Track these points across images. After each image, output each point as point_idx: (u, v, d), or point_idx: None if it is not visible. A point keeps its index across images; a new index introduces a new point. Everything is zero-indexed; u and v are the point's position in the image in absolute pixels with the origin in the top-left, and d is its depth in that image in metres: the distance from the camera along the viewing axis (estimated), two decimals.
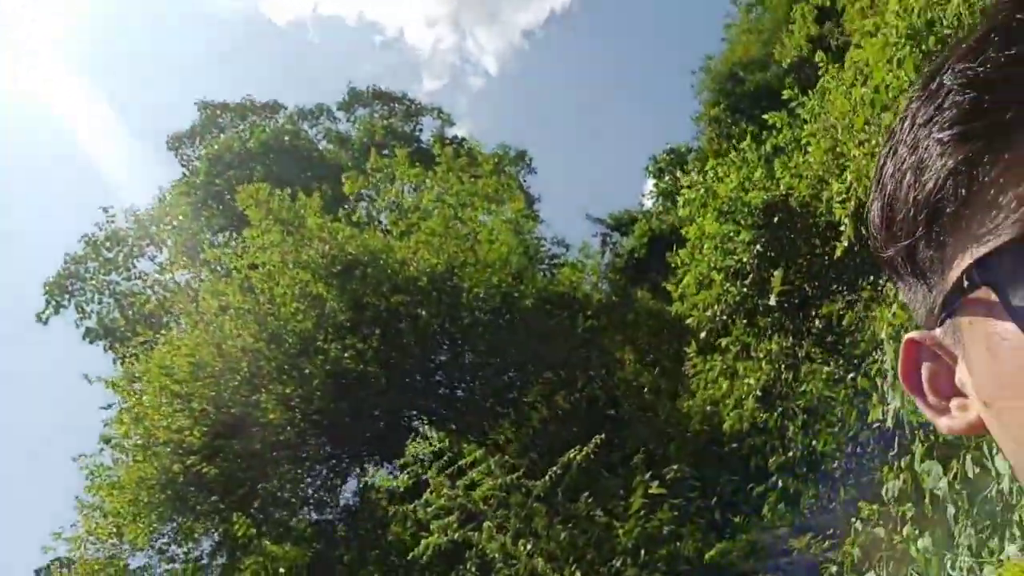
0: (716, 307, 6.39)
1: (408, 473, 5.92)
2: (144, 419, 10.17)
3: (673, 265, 7.53)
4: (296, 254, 10.63)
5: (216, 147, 18.89)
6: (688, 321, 7.01)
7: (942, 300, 0.50)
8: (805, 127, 7.13)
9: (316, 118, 26.41)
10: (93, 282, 20.85)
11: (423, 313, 10.28)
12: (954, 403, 0.53)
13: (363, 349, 9.89)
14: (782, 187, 6.29)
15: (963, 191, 0.45)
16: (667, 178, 24.18)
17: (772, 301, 6.00)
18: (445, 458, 5.87)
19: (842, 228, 5.49)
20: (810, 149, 6.38)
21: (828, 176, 5.97)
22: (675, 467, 8.06)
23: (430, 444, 5.97)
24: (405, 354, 10.15)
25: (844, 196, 5.40)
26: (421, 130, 26.08)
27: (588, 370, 13.78)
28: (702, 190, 7.06)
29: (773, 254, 6.04)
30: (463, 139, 25.73)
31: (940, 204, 0.47)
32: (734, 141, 23.41)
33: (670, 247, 21.63)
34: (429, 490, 5.85)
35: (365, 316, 10.19)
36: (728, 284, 6.21)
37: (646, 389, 14.58)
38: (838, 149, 5.97)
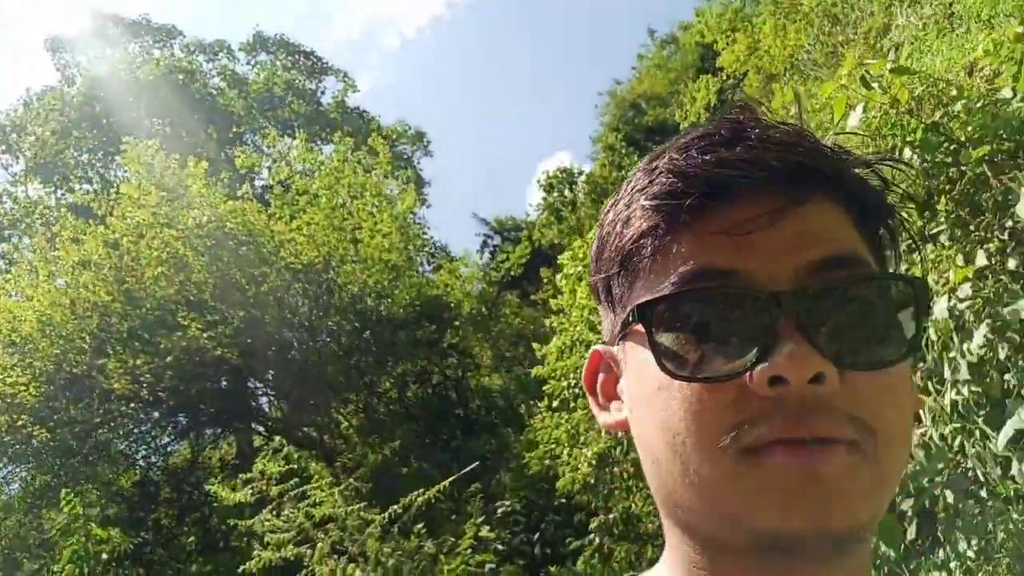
0: (573, 377, 6.87)
1: (252, 489, 6.00)
2: None
3: (546, 296, 7.85)
4: (170, 217, 10.28)
5: (101, 67, 17.64)
6: (545, 388, 7.45)
7: (620, 326, 0.64)
8: None
9: (215, 54, 25.16)
10: None
11: (292, 302, 10.23)
12: (614, 404, 0.68)
13: (223, 331, 9.73)
14: None
15: (648, 249, 0.61)
16: (555, 194, 24.92)
17: None
18: (292, 481, 6.01)
19: None
20: None
21: None
22: (507, 503, 8.54)
23: (279, 464, 6.05)
24: (266, 341, 10.08)
25: None
26: (323, 92, 25.41)
27: (446, 369, 14.16)
28: (580, 267, 7.52)
29: None
30: (363, 112, 25.32)
31: (632, 254, 0.62)
32: (623, 172, 24.32)
33: (548, 262, 22.31)
34: (271, 507, 5.98)
35: (232, 296, 10.02)
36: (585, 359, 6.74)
37: (499, 402, 15.15)
38: None
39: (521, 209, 42.88)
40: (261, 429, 12.46)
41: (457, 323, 13.23)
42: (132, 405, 9.44)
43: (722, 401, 0.56)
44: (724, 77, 16.54)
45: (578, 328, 6.96)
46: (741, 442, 0.54)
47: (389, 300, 11.51)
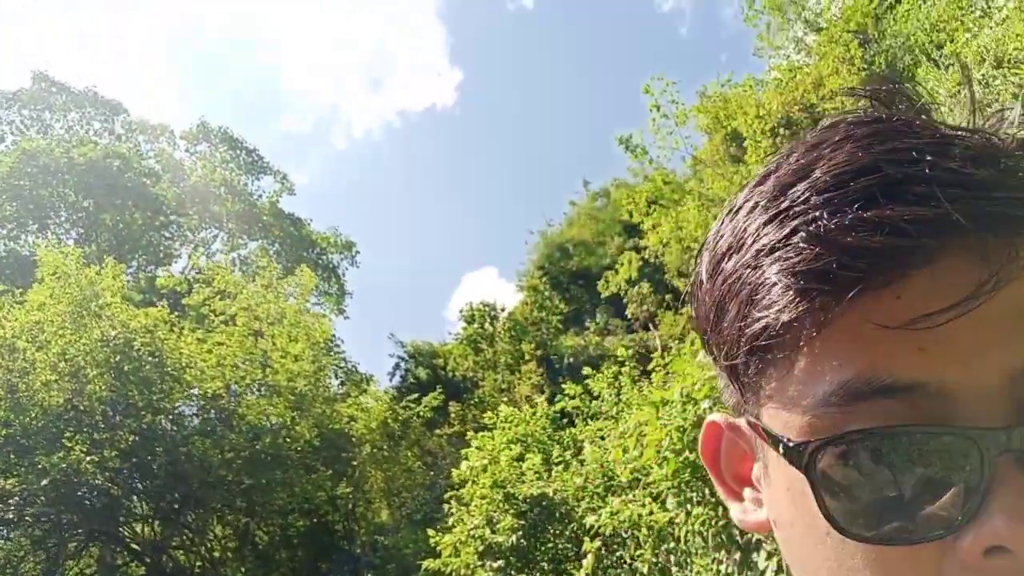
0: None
1: None
2: None
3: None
4: (76, 326, 9.99)
5: (34, 143, 17.33)
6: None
7: (751, 411, 0.49)
8: (584, 429, 8.10)
9: (156, 137, 25.12)
10: None
11: (186, 432, 9.94)
12: (748, 493, 0.53)
13: (108, 455, 9.33)
14: (554, 481, 7.08)
15: (789, 348, 0.44)
16: (475, 326, 25.28)
17: None
18: None
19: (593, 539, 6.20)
20: (585, 457, 7.28)
21: (592, 486, 6.83)
22: None
23: None
24: (151, 474, 9.70)
25: (598, 519, 6.16)
26: (260, 193, 25.48)
27: (336, 500, 13.78)
28: (487, 460, 7.65)
29: (526, 542, 6.72)
30: (296, 217, 25.45)
31: (767, 346, 0.45)
32: (544, 315, 24.91)
33: (458, 393, 22.29)
34: None
35: (124, 420, 9.68)
36: (478, 561, 6.77)
37: (385, 541, 14.75)
38: (606, 467, 6.86)
39: (440, 328, 43.02)
40: (130, 546, 11.74)
41: (355, 462, 13.03)
42: None
43: (917, 568, 0.42)
44: (647, 254, 17.53)
45: (476, 521, 7.02)
46: None
47: (288, 439, 11.29)
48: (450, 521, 7.59)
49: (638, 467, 6.00)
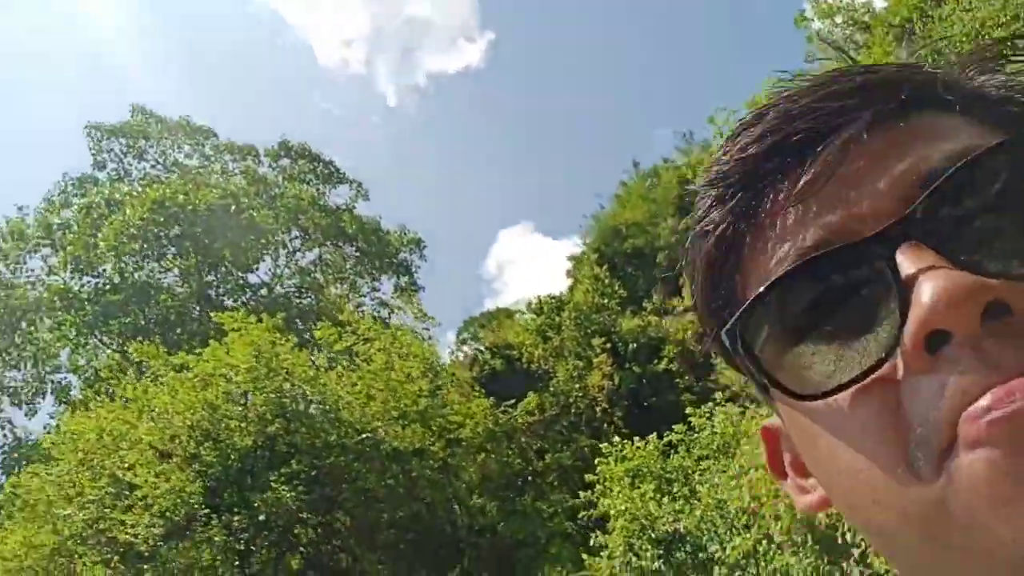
0: None
1: None
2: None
3: None
4: (257, 378, 12.19)
5: (159, 192, 19.53)
6: None
7: (754, 384, 0.52)
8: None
9: (244, 156, 27.21)
10: None
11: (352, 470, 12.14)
12: (811, 481, 0.52)
13: (299, 491, 11.57)
14: (685, 517, 9.08)
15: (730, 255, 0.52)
16: (544, 317, 27.24)
17: None
18: None
19: None
20: (700, 492, 9.27)
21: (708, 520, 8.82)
22: None
23: None
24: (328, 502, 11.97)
25: (722, 551, 8.20)
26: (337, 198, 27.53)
27: (449, 501, 16.04)
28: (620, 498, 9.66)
29: (664, 567, 8.82)
30: (376, 224, 27.44)
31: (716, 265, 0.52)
32: (606, 301, 26.72)
33: (534, 384, 24.39)
34: None
35: (302, 457, 11.90)
36: None
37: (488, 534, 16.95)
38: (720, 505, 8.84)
39: (477, 287, 44.78)
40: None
41: (471, 468, 15.24)
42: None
43: (883, 404, 0.40)
44: None
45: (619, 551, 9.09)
46: (930, 444, 0.38)
47: (424, 450, 13.51)
48: (591, 541, 9.69)
49: (748, 510, 7.97)
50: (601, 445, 11.58)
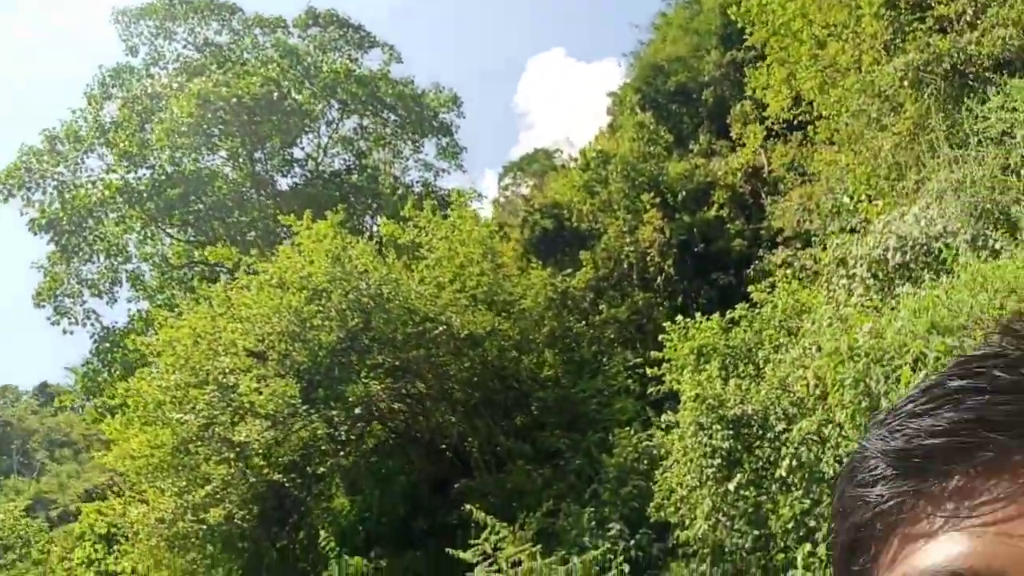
0: None
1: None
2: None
3: None
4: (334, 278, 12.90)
5: (201, 86, 19.46)
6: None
7: None
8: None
9: (273, 29, 26.61)
10: (41, 175, 21.22)
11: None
12: None
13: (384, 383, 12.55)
14: (752, 400, 9.74)
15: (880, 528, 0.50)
16: (589, 173, 27.08)
17: None
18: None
19: None
20: (765, 374, 9.83)
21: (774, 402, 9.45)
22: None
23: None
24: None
25: (789, 432, 8.92)
26: (372, 71, 27.03)
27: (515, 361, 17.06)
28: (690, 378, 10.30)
29: (737, 445, 9.59)
30: (412, 86, 27.00)
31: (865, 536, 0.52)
32: (652, 148, 26.41)
33: (585, 244, 24.78)
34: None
35: (383, 350, 12.77)
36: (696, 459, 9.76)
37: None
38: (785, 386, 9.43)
39: (513, 123, 44.19)
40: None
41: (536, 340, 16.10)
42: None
43: None
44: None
45: (690, 431, 9.84)
46: None
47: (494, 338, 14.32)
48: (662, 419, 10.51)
49: (812, 394, 8.56)
50: (664, 324, 12.11)
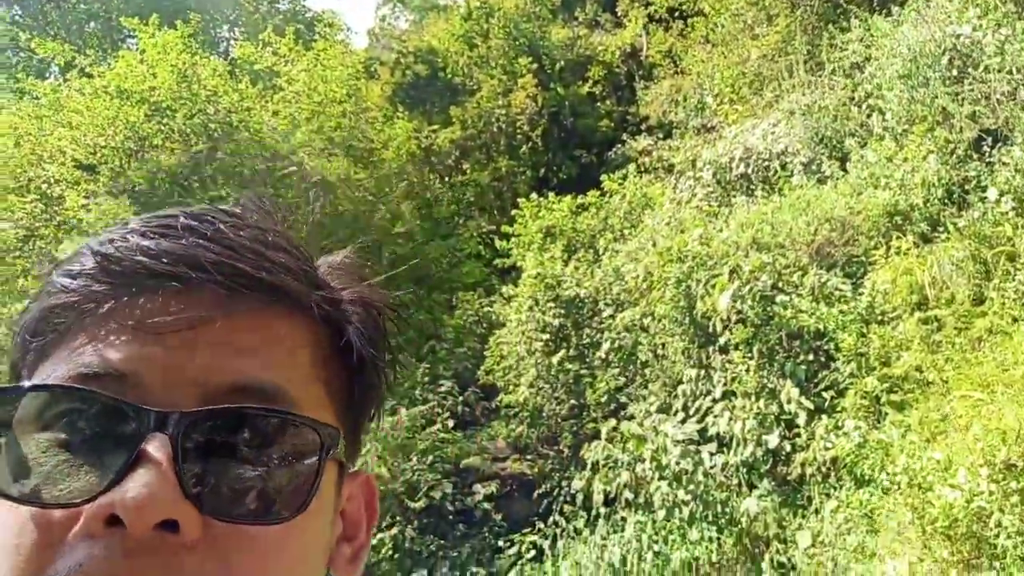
0: None
1: None
2: None
3: None
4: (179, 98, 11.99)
5: None
6: None
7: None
8: None
9: None
10: None
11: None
12: None
13: None
14: (587, 283, 10.23)
15: (50, 331, 0.54)
16: (471, 23, 26.01)
17: None
18: None
19: None
20: (603, 262, 10.38)
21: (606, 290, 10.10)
22: None
23: None
24: None
25: (614, 320, 9.62)
26: None
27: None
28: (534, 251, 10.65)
29: (567, 323, 10.17)
30: None
31: (36, 331, 0.55)
32: (538, 8, 25.61)
33: (457, 97, 24.21)
34: None
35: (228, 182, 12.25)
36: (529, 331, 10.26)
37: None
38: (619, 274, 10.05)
39: None
40: None
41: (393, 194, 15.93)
42: None
43: (44, 537, 0.45)
44: None
45: (526, 306, 10.33)
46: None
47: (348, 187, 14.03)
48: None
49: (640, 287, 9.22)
50: (520, 199, 12.36)
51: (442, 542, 10.32)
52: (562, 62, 25.23)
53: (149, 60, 11.82)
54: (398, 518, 10.52)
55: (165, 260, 0.51)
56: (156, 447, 0.46)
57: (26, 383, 0.51)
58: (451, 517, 10.13)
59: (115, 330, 0.50)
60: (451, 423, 11.18)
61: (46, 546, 0.45)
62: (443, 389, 12.04)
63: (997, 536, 5.00)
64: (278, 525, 0.49)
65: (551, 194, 12.32)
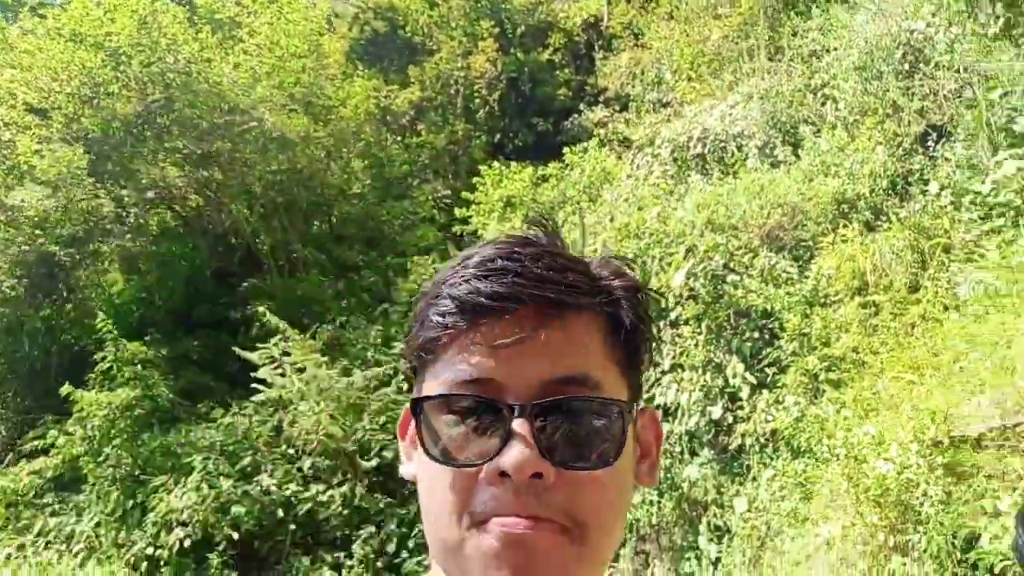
0: None
1: None
2: None
3: None
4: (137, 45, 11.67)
5: None
6: None
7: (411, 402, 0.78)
8: None
9: None
10: None
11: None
12: (413, 455, 0.82)
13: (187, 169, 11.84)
14: None
15: (432, 353, 0.77)
16: None
17: None
18: None
19: None
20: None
21: None
22: None
23: None
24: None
25: None
26: None
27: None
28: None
29: None
30: None
31: (423, 350, 0.78)
32: None
33: (415, 56, 23.87)
34: None
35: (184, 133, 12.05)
36: None
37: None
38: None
39: None
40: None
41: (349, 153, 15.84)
42: None
43: (464, 484, 0.71)
44: None
45: None
46: (474, 517, 0.71)
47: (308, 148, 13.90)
48: None
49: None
50: (479, 163, 12.45)
51: (391, 500, 10.59)
52: (523, 27, 25.08)
53: (107, 4, 11.46)
54: (349, 476, 10.74)
55: (496, 298, 0.73)
56: (520, 425, 0.70)
57: (433, 390, 0.76)
58: (401, 476, 10.36)
59: (475, 350, 0.73)
60: (404, 386, 11.35)
61: (468, 488, 0.71)
62: (396, 351, 12.19)
63: (922, 504, 5.49)
64: (604, 469, 0.73)
65: (510, 162, 12.43)
